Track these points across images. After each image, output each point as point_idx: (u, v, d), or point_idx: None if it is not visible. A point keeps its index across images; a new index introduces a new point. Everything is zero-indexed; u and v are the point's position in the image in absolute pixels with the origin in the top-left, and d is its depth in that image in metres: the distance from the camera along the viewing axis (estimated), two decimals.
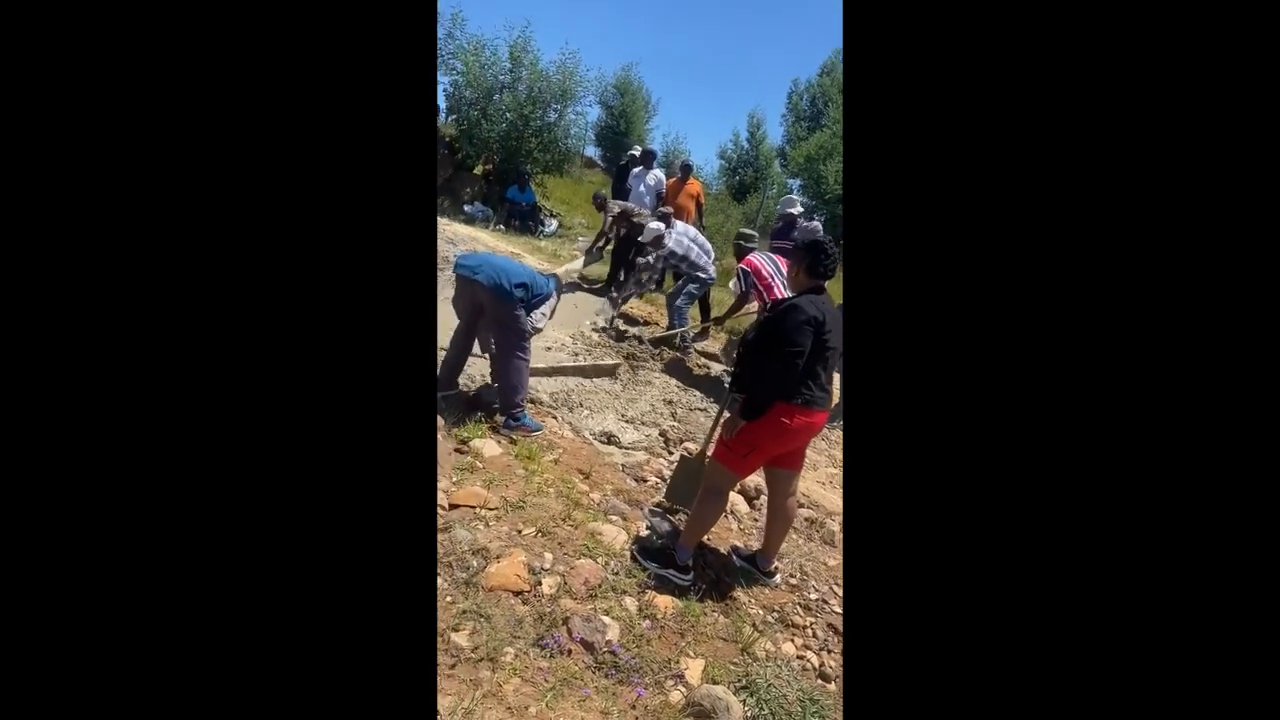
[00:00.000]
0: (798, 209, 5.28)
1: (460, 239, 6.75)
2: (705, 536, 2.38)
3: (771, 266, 4.13)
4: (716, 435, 2.35)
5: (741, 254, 4.50)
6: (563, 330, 4.63)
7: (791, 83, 20.27)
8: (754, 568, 2.38)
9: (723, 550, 2.49)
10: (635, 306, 5.87)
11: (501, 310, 2.81)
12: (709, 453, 2.45)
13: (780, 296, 3.96)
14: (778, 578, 2.38)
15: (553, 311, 3.15)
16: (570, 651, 1.76)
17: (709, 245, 5.28)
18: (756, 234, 4.67)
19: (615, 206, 5.83)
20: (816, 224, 5.18)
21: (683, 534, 2.25)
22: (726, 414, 2.35)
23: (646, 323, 5.43)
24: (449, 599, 1.82)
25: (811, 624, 2.22)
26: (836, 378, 4.70)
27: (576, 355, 4.20)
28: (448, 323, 3.55)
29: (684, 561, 2.19)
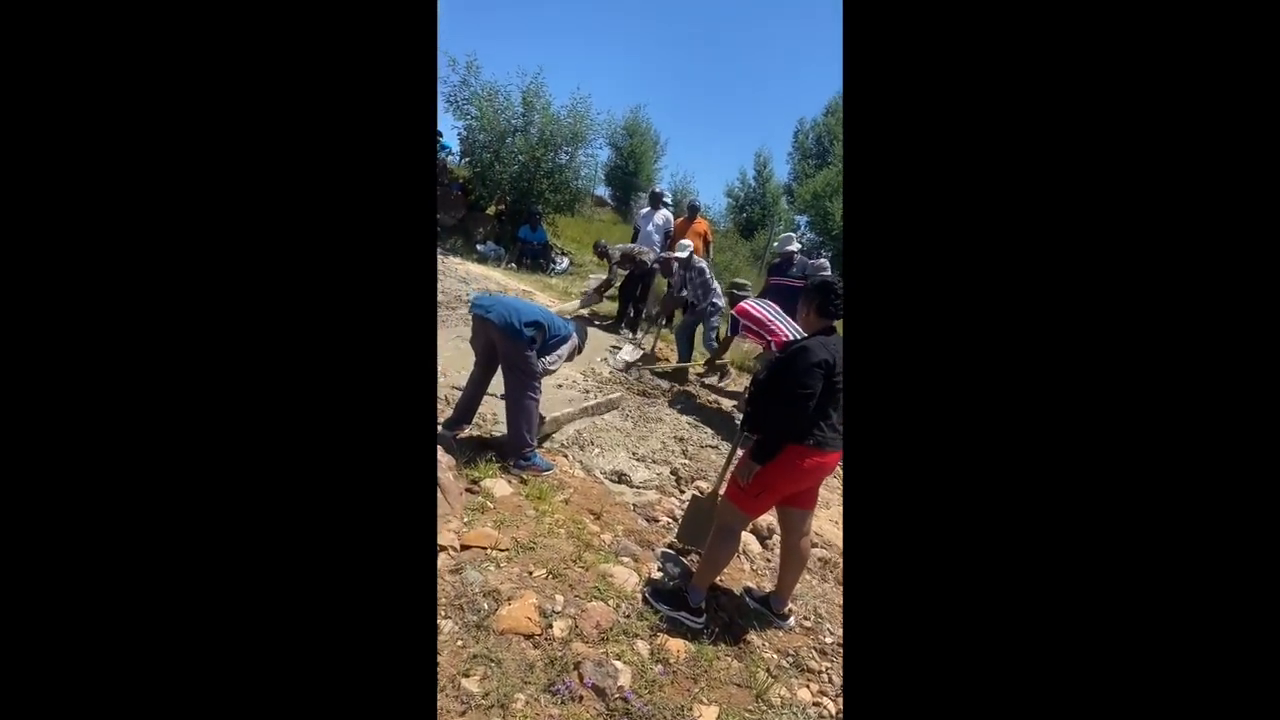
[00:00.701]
0: (795, 246, 5.41)
1: (473, 277, 6.86)
2: (718, 578, 2.36)
3: (763, 309, 4.23)
4: (729, 475, 2.35)
5: (734, 301, 4.73)
6: (573, 367, 4.66)
7: (797, 121, 20.72)
8: (768, 610, 2.34)
9: (736, 591, 2.45)
10: (645, 342, 5.90)
11: (511, 349, 2.84)
12: (721, 492, 2.44)
13: (781, 332, 4.01)
14: (792, 620, 2.34)
15: (571, 354, 3.17)
16: (581, 698, 1.73)
17: (716, 284, 5.36)
18: (748, 284, 4.86)
19: (615, 253, 5.95)
20: (824, 261, 5.23)
21: (695, 575, 2.23)
22: (739, 452, 2.35)
23: (658, 358, 5.46)
24: (460, 642, 1.81)
25: (828, 669, 2.17)
26: None
27: (587, 393, 4.22)
28: (464, 362, 3.60)
29: (696, 604, 2.17)
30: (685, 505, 2.90)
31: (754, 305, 4.32)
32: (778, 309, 4.24)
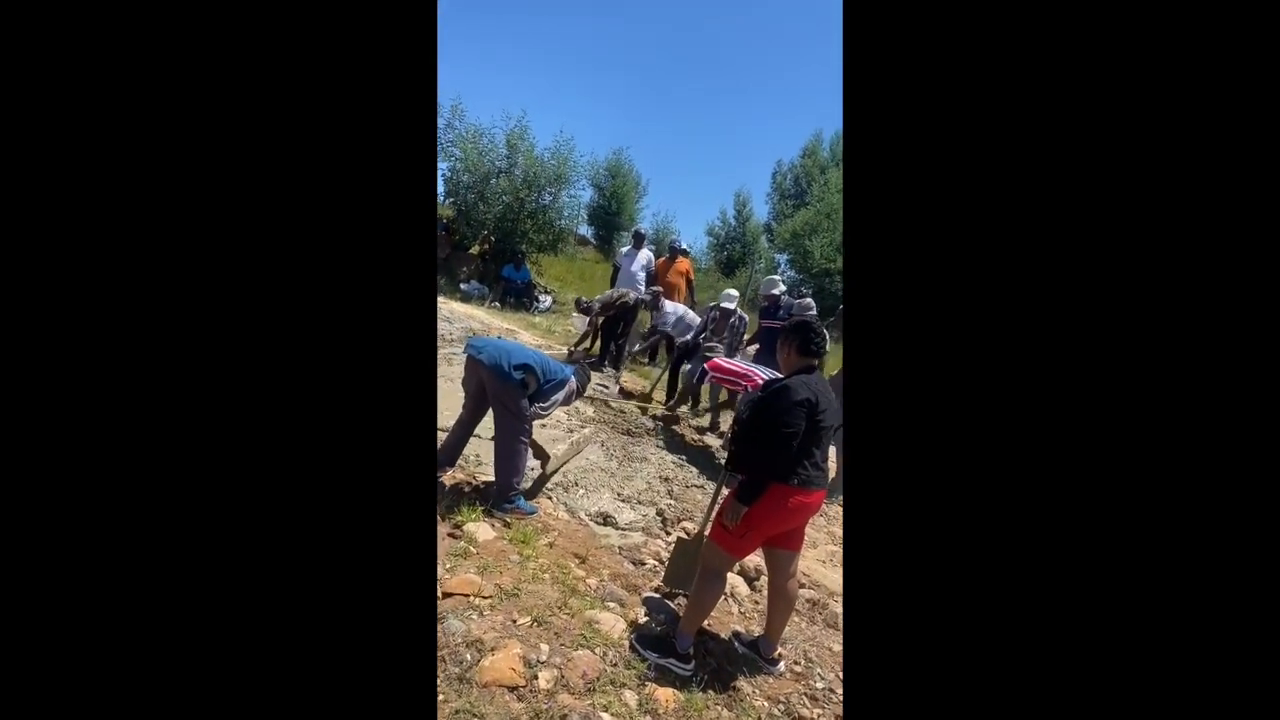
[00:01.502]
0: (779, 289, 5.53)
1: (456, 316, 6.86)
2: (706, 622, 2.32)
3: (741, 363, 4.49)
4: (714, 516, 2.33)
5: (702, 358, 4.92)
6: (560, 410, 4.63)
7: (775, 163, 21.25)
8: (757, 655, 2.30)
9: (724, 636, 2.41)
10: (628, 380, 5.91)
11: (501, 391, 2.82)
12: (706, 534, 2.42)
13: (756, 375, 4.08)
14: (781, 665, 2.30)
15: (569, 399, 3.14)
16: None
17: (695, 318, 5.43)
18: (718, 345, 4.99)
19: (596, 304, 6.02)
20: (808, 300, 5.32)
21: (682, 620, 2.19)
22: (724, 492, 2.34)
23: (641, 396, 5.46)
24: (441, 696, 1.74)
25: (819, 716, 2.12)
26: (832, 452, 4.72)
27: (570, 431, 4.19)
28: (448, 402, 3.57)
29: (685, 650, 2.12)
30: (671, 548, 2.87)
31: (725, 361, 4.52)
32: (748, 364, 4.42)
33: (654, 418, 4.97)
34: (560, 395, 3.01)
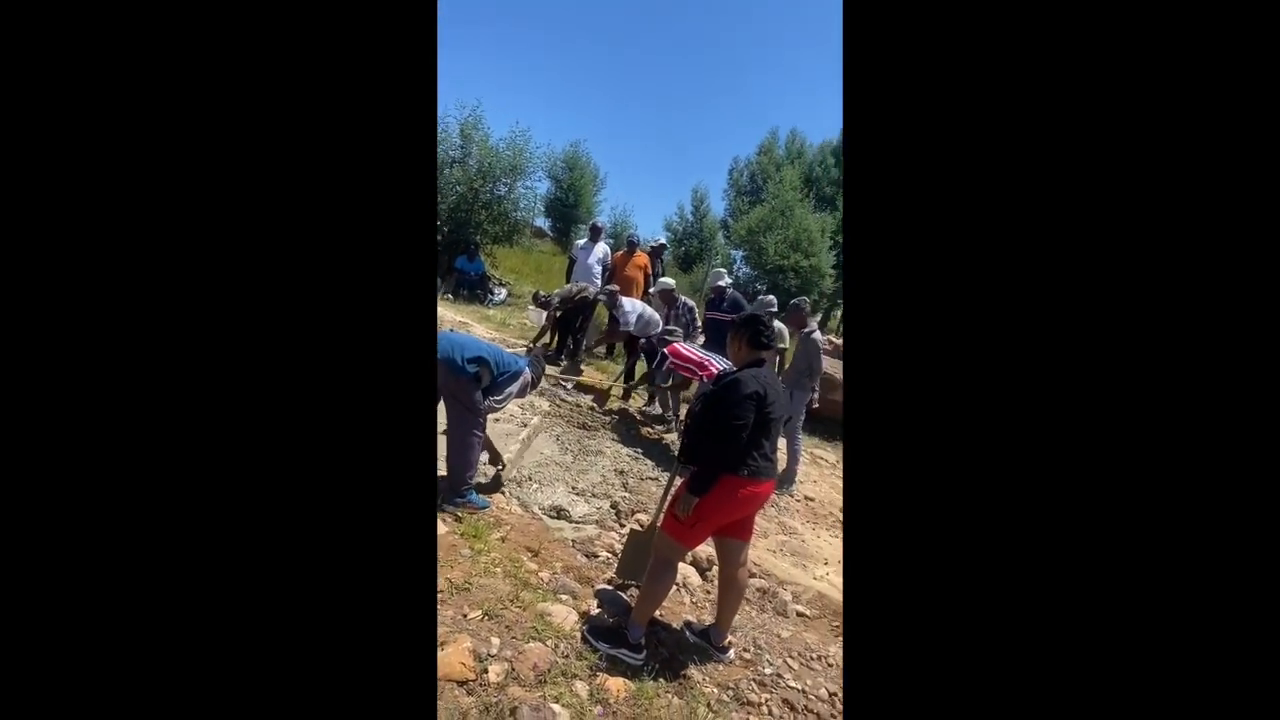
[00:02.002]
0: (725, 281, 5.68)
1: None
2: (657, 612, 2.34)
3: (699, 351, 4.50)
4: (666, 507, 2.36)
5: (664, 344, 4.95)
6: (514, 402, 4.59)
7: (732, 160, 21.48)
8: (707, 643, 2.34)
9: (675, 626, 2.44)
10: (586, 375, 5.89)
11: (453, 384, 2.78)
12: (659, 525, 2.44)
13: (713, 365, 4.14)
14: (731, 653, 2.34)
15: (524, 390, 3.11)
16: None
17: (656, 316, 5.46)
18: (678, 330, 5.07)
19: (555, 299, 6.00)
20: (771, 297, 5.43)
21: (634, 610, 2.21)
22: (677, 482, 2.37)
23: (596, 390, 5.45)
24: None
25: (766, 700, 2.18)
26: (782, 444, 4.81)
27: (524, 425, 4.16)
28: None
29: (636, 639, 2.14)
30: (625, 539, 2.89)
31: (684, 347, 4.54)
32: (705, 352, 4.46)
33: (609, 412, 4.98)
34: (515, 387, 2.99)
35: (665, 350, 4.60)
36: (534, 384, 3.21)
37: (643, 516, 3.32)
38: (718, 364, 4.20)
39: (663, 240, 7.77)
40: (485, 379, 2.83)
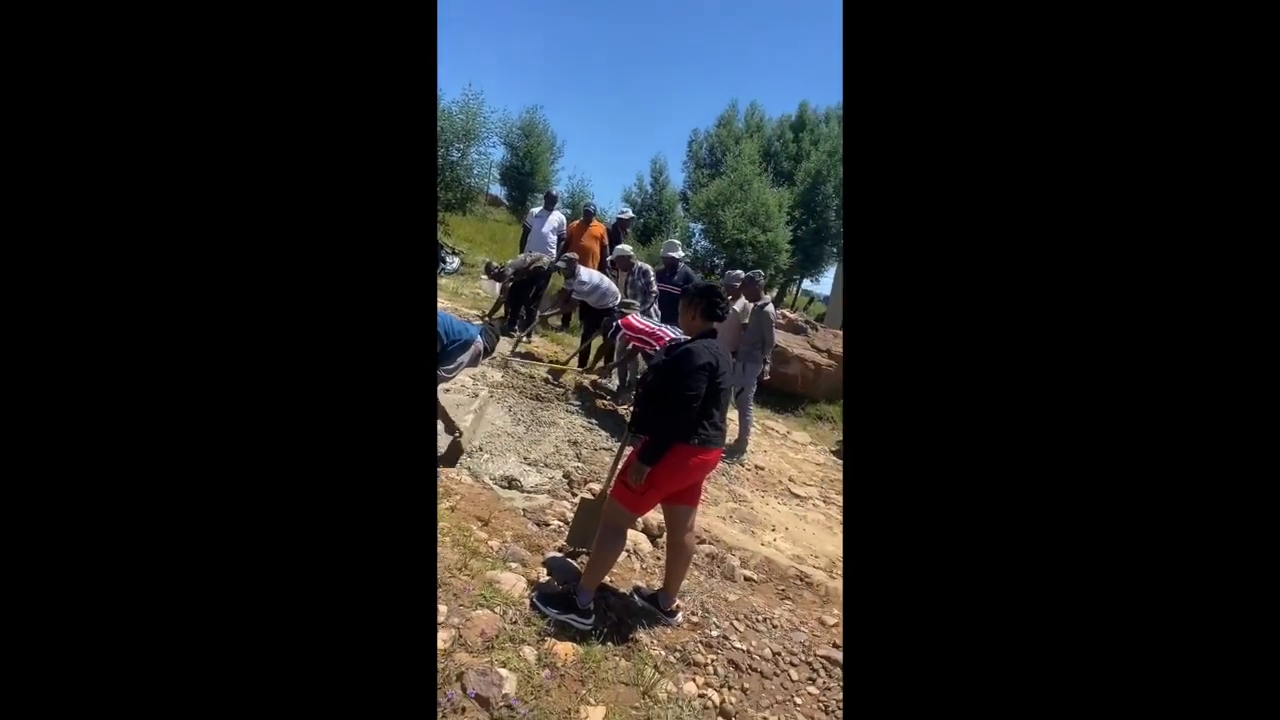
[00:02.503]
0: (679, 253, 5.72)
1: None
2: (607, 578, 2.37)
3: (651, 322, 4.55)
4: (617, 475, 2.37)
5: (619, 316, 4.95)
6: (464, 372, 4.51)
7: (691, 132, 21.25)
8: (656, 608, 2.39)
9: (624, 591, 2.48)
10: (539, 345, 5.84)
11: None
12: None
13: (666, 335, 4.16)
14: (680, 616, 2.39)
15: (474, 360, 3.05)
16: (464, 709, 1.67)
17: (614, 287, 5.42)
18: (635, 302, 5.08)
19: (509, 269, 5.87)
20: (738, 271, 5.42)
21: (583, 576, 2.23)
22: (629, 450, 2.38)
23: (552, 361, 5.41)
24: None
25: (712, 661, 2.24)
26: (733, 414, 4.88)
27: (475, 396, 4.10)
28: None
29: (585, 605, 2.17)
30: (576, 508, 2.89)
31: (637, 319, 4.56)
32: (658, 322, 4.48)
33: (562, 384, 4.95)
34: (465, 356, 2.93)
35: (619, 322, 4.60)
36: (486, 353, 3.16)
37: (595, 485, 3.34)
38: (670, 334, 4.22)
39: (628, 212, 7.68)
40: (435, 348, 2.77)
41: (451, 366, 2.87)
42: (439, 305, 5.44)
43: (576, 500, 3.16)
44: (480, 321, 5.85)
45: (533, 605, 2.16)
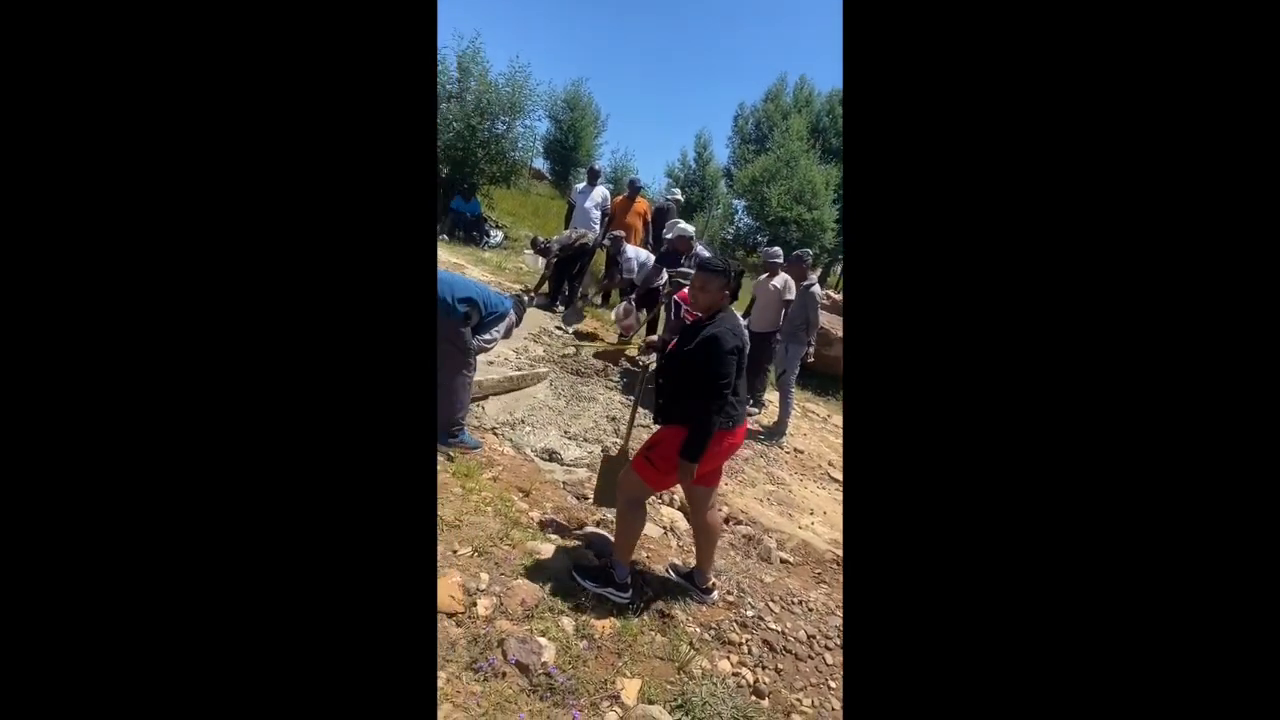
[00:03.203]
0: (691, 231, 5.51)
1: None
2: (644, 554, 2.39)
3: None
4: (632, 445, 2.36)
5: (676, 289, 4.79)
6: (506, 344, 4.57)
7: (738, 106, 20.84)
8: (692, 585, 2.40)
9: (660, 568, 2.50)
10: (584, 323, 5.86)
11: (444, 324, 2.76)
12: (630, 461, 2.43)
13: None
14: (715, 594, 2.41)
15: (508, 331, 3.10)
16: (505, 674, 1.72)
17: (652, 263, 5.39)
18: (691, 272, 4.92)
19: (554, 245, 5.86)
20: (776, 248, 5.22)
21: (614, 551, 2.26)
22: (640, 410, 2.33)
23: (593, 337, 5.43)
24: None
25: (747, 640, 2.25)
26: (775, 396, 4.81)
27: (519, 369, 4.16)
28: None
29: (622, 579, 2.19)
30: (598, 467, 2.90)
31: None
32: None
33: (602, 355, 4.97)
34: (500, 328, 2.98)
35: (677, 296, 4.49)
36: (516, 324, 3.19)
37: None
38: None
39: (678, 196, 7.53)
40: (474, 319, 2.82)
41: (488, 337, 2.92)
42: (482, 280, 5.52)
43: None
44: (527, 295, 5.89)
45: (571, 578, 2.20)
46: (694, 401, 2.05)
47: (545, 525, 2.55)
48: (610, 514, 2.74)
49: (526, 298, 5.72)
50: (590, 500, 2.90)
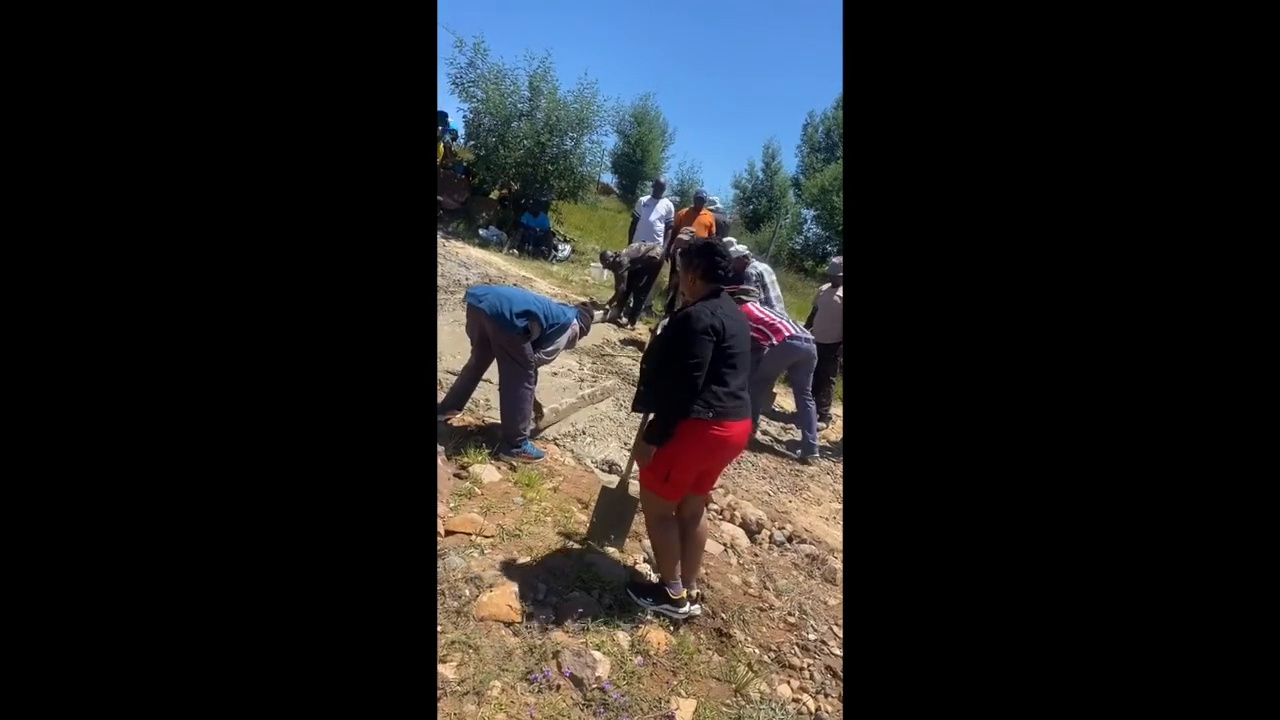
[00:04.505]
0: (744, 249, 5.45)
1: (473, 261, 6.83)
2: (703, 571, 2.34)
3: (771, 312, 4.33)
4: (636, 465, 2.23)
5: (739, 305, 4.64)
6: (569, 355, 4.64)
7: (807, 114, 20.51)
8: (665, 599, 2.17)
9: (717, 585, 2.45)
10: (642, 332, 5.88)
11: (503, 339, 2.82)
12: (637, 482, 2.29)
13: (786, 329, 4.02)
14: (695, 607, 2.22)
15: (572, 342, 3.12)
16: (559, 687, 1.72)
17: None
18: (755, 289, 4.86)
19: (625, 259, 5.89)
20: (840, 259, 5.15)
21: (660, 569, 2.19)
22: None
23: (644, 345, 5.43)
24: (439, 628, 1.80)
25: (809, 665, 2.16)
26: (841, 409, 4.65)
27: (582, 381, 4.20)
28: (460, 347, 3.58)
29: (676, 594, 2.15)
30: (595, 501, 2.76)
31: (758, 308, 4.36)
32: (783, 309, 4.28)
33: None
34: (563, 340, 3.01)
35: (741, 310, 4.45)
36: (582, 333, 3.22)
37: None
38: (790, 328, 4.09)
39: (718, 206, 7.40)
40: (535, 332, 2.86)
41: (550, 349, 2.95)
42: (549, 293, 5.63)
43: None
44: (601, 310, 5.95)
45: (627, 594, 2.18)
46: (662, 383, 1.96)
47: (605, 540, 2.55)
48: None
49: (600, 312, 5.78)
50: None
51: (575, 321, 3.07)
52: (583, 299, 6.39)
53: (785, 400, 5.07)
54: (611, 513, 2.46)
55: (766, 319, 4.18)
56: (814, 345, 4.18)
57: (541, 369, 3.08)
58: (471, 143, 9.41)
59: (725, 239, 5.83)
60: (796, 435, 4.40)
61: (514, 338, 2.80)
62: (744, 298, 4.72)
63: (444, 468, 2.64)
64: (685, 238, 5.57)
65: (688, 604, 2.15)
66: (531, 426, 3.18)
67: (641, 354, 5.15)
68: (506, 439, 2.92)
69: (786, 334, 4.03)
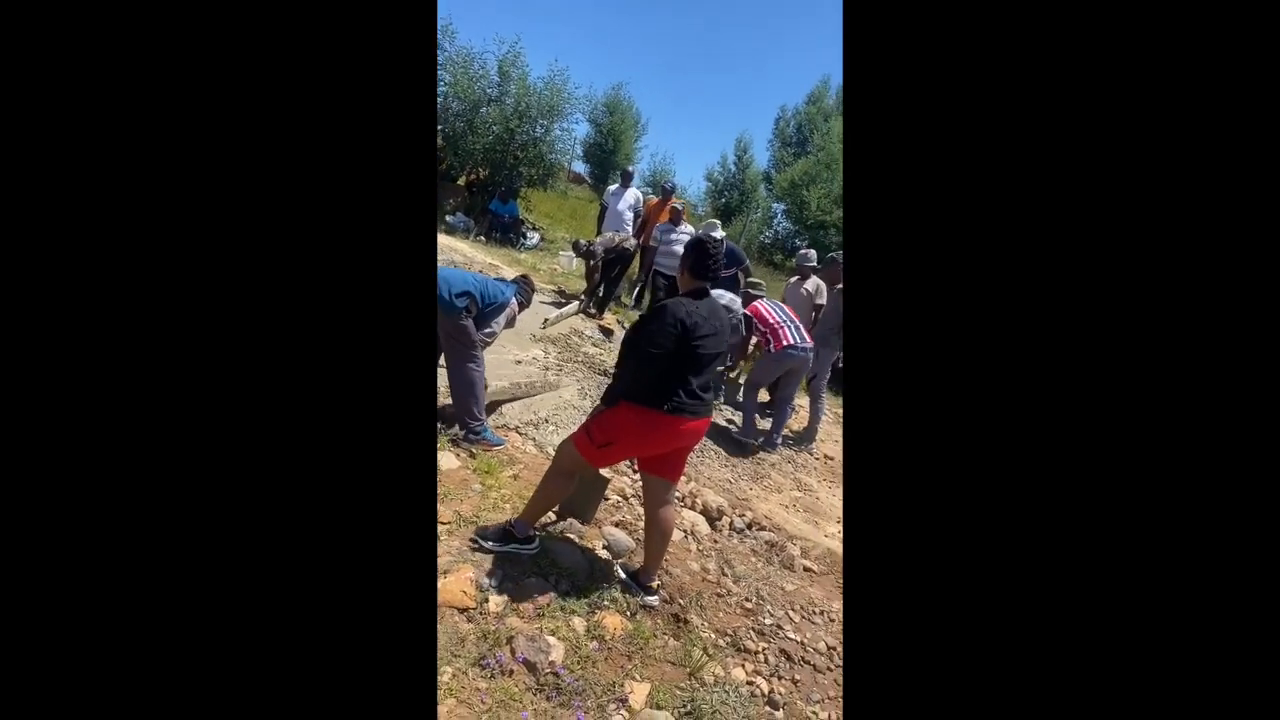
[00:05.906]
0: (720, 234, 5.45)
1: (440, 249, 6.72)
2: (664, 558, 2.35)
3: (779, 313, 4.25)
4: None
5: (748, 301, 4.69)
6: (536, 345, 4.61)
7: (779, 109, 20.66)
8: (635, 583, 2.26)
9: (676, 572, 2.46)
10: (610, 321, 5.87)
11: (444, 321, 2.78)
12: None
13: (785, 337, 4.03)
14: (655, 599, 2.26)
15: (511, 321, 3.09)
16: (512, 672, 1.72)
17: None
18: (763, 284, 4.84)
19: (598, 248, 5.84)
20: (810, 250, 5.23)
21: (525, 510, 2.19)
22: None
23: (612, 332, 5.43)
24: None
25: (764, 649, 2.19)
26: (805, 400, 4.70)
27: (547, 370, 4.17)
28: None
29: (523, 534, 2.16)
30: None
31: (765, 306, 4.32)
32: (789, 312, 4.26)
33: None
34: (501, 319, 2.97)
35: (747, 310, 4.37)
36: (522, 307, 3.17)
37: None
38: (791, 336, 4.06)
39: (673, 191, 7.35)
40: (474, 311, 2.83)
41: (488, 330, 2.92)
42: (506, 275, 5.56)
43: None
44: (577, 301, 5.88)
45: (473, 542, 2.15)
46: (628, 361, 2.01)
47: (562, 523, 2.54)
48: (608, 521, 2.72)
49: (575, 303, 5.73)
50: (609, 501, 2.88)
51: (513, 300, 3.03)
52: (551, 288, 6.33)
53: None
54: (585, 490, 2.51)
55: (772, 321, 4.15)
56: (810, 354, 4.12)
57: (507, 358, 3.05)
58: (439, 127, 9.24)
59: (707, 224, 5.84)
60: (765, 425, 4.44)
61: (454, 317, 2.77)
62: (752, 291, 4.69)
63: None
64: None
65: (534, 543, 2.18)
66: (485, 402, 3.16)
67: (608, 342, 5.15)
68: (462, 425, 2.88)
69: (785, 343, 4.01)
